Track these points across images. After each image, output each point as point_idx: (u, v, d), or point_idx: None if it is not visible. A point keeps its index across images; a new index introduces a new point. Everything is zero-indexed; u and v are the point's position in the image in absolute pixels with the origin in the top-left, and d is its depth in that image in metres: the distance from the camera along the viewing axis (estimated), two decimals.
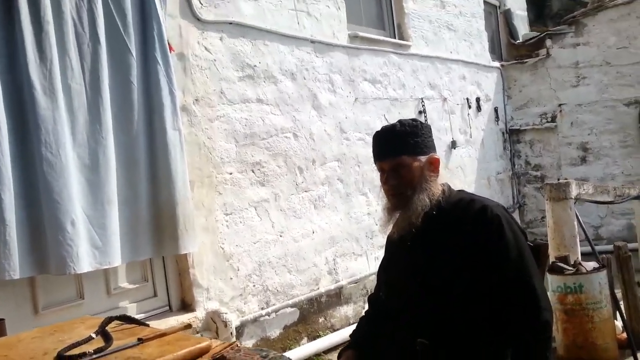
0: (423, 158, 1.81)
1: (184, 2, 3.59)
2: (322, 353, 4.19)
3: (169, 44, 3.26)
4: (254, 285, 3.95)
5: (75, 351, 1.34)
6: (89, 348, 1.36)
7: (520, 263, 1.68)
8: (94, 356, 1.31)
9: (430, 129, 1.90)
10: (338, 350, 2.29)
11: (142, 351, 1.30)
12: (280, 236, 4.19)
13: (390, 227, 1.89)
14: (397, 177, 1.78)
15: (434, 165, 1.84)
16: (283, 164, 4.25)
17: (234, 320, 3.67)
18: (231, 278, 3.78)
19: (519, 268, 1.67)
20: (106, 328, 1.51)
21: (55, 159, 2.68)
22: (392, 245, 1.94)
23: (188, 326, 1.49)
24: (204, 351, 1.29)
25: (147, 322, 1.71)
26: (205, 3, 3.73)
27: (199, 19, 3.65)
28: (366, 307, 2.20)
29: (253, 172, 4.00)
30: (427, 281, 1.73)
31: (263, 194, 4.07)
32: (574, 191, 4.29)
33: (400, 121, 1.84)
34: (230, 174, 3.83)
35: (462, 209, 1.75)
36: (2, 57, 2.60)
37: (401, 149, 1.79)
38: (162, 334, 1.40)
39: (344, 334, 4.11)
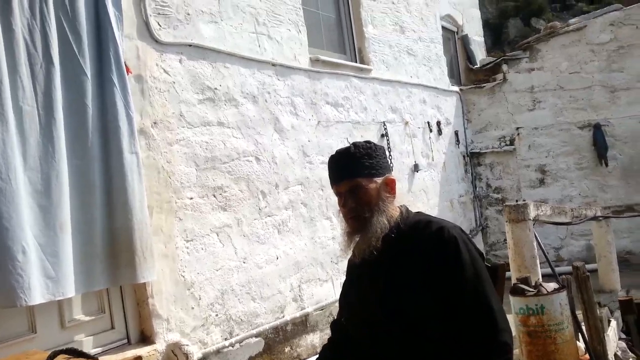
0: (379, 179, 1.82)
1: (142, 24, 3.55)
2: None
3: (126, 65, 3.20)
4: (217, 315, 3.84)
5: None
6: None
7: (477, 284, 1.68)
8: None
9: (385, 150, 1.92)
10: None
11: None
12: (244, 262, 4.11)
13: (350, 251, 1.88)
14: (354, 199, 1.79)
15: (390, 186, 1.85)
16: (245, 188, 4.20)
17: (196, 352, 3.55)
18: (192, 307, 3.67)
19: (476, 289, 1.67)
20: None
21: (4, 184, 2.56)
22: (353, 269, 1.94)
23: (137, 358, 1.41)
24: None
25: (98, 357, 1.62)
26: (164, 25, 3.69)
27: (157, 41, 3.61)
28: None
29: (214, 196, 3.93)
30: (386, 304, 1.72)
31: (225, 219, 3.99)
32: (532, 212, 4.37)
33: (354, 144, 1.86)
34: (191, 198, 3.75)
35: (420, 231, 1.76)
36: None
37: (356, 171, 1.80)
38: None
39: None
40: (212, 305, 3.81)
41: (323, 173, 4.96)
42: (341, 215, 1.85)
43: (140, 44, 3.52)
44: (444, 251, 1.68)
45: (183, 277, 3.63)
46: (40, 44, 2.81)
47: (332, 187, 1.87)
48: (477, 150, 8.36)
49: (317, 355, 2.13)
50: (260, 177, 4.34)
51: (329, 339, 2.11)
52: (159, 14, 3.66)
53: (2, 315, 2.78)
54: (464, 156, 8.04)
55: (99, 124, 3.05)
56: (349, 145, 1.86)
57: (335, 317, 2.12)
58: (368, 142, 1.87)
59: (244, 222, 4.15)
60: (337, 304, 2.12)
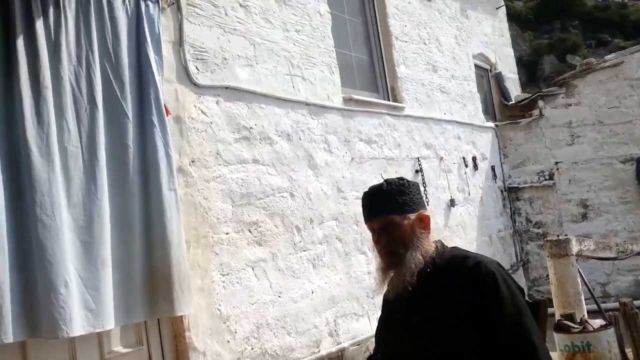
0: (412, 216, 1.81)
1: (181, 68, 3.69)
2: None
3: (165, 107, 3.32)
4: (252, 349, 3.82)
5: None
6: None
7: (518, 319, 1.63)
8: None
9: (418, 186, 1.91)
10: None
11: None
12: (279, 297, 4.09)
13: (385, 287, 1.86)
14: (387, 236, 1.79)
15: (424, 222, 1.84)
16: (280, 224, 4.22)
17: None
18: (228, 341, 3.66)
19: (517, 325, 1.62)
20: None
21: (49, 220, 2.66)
22: (388, 305, 1.91)
23: None
24: None
25: None
26: (201, 69, 3.83)
27: (195, 84, 3.74)
28: None
29: (250, 231, 3.96)
30: (422, 342, 1.68)
31: (260, 253, 4.01)
32: (574, 247, 4.23)
33: (387, 180, 1.86)
34: (227, 234, 3.79)
35: (456, 266, 1.73)
36: (0, 119, 2.64)
37: (389, 208, 1.80)
38: None
39: None
40: (247, 338, 3.79)
41: (357, 208, 4.92)
42: (375, 251, 1.85)
43: (179, 87, 3.65)
44: (481, 286, 1.65)
45: (219, 310, 3.64)
46: (86, 89, 2.95)
47: (365, 223, 1.87)
48: (515, 185, 8.18)
49: None
50: (294, 213, 4.36)
51: None
52: (197, 59, 3.81)
53: (45, 346, 2.84)
54: (501, 191, 7.88)
55: (139, 163, 3.14)
56: (382, 182, 1.87)
57: (372, 353, 2.09)
58: (401, 178, 1.87)
59: (279, 256, 4.16)
60: (373, 339, 2.09)
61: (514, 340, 1.60)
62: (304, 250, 4.39)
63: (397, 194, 1.80)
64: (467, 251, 1.84)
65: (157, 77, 3.31)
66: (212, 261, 3.65)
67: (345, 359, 4.57)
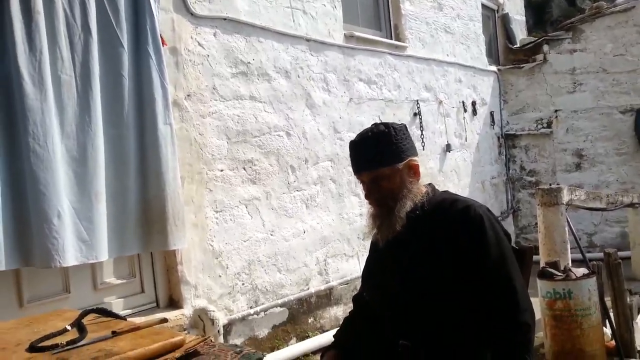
0: (401, 165, 1.80)
1: None
2: (310, 354, 4.17)
3: (161, 37, 3.24)
4: (243, 284, 3.92)
5: (48, 343, 1.32)
6: (62, 340, 1.34)
7: (501, 263, 1.68)
8: (66, 348, 1.29)
9: (406, 130, 1.88)
10: None
11: (115, 344, 1.28)
12: (271, 235, 4.17)
13: (375, 230, 1.89)
14: (377, 189, 1.79)
15: (413, 169, 1.84)
16: (275, 163, 4.23)
17: (222, 319, 3.65)
18: (220, 276, 3.75)
19: (499, 268, 1.67)
20: (82, 321, 1.49)
21: (42, 150, 2.65)
22: (376, 245, 1.94)
23: (163, 320, 1.48)
24: (177, 346, 1.27)
25: (127, 318, 1.69)
26: None
27: (192, 14, 3.63)
28: None
29: (244, 169, 3.98)
30: (408, 281, 1.73)
31: (254, 192, 4.05)
32: (565, 197, 4.29)
33: (372, 130, 1.82)
34: (221, 171, 3.81)
35: (445, 209, 1.76)
36: None
37: (377, 161, 1.78)
38: (136, 328, 1.38)
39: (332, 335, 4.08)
40: (238, 274, 3.89)
41: None
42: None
43: (176, 16, 3.55)
44: (468, 229, 1.68)
45: (212, 246, 3.71)
46: (79, 15, 2.87)
47: (354, 174, 1.86)
48: (513, 132, 8.18)
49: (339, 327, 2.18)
50: (290, 152, 4.37)
51: (350, 311, 2.15)
52: None
53: (38, 276, 2.91)
54: (498, 137, 7.89)
55: (134, 94, 3.11)
56: (368, 129, 1.84)
57: (358, 291, 2.15)
58: (386, 125, 1.84)
59: (273, 195, 4.20)
60: (360, 279, 2.15)
61: (495, 282, 1.65)
62: (297, 190, 4.43)
63: (385, 144, 1.78)
64: (457, 195, 1.86)
65: (153, 5, 3.22)
66: (206, 197, 3.68)
67: (333, 297, 4.73)
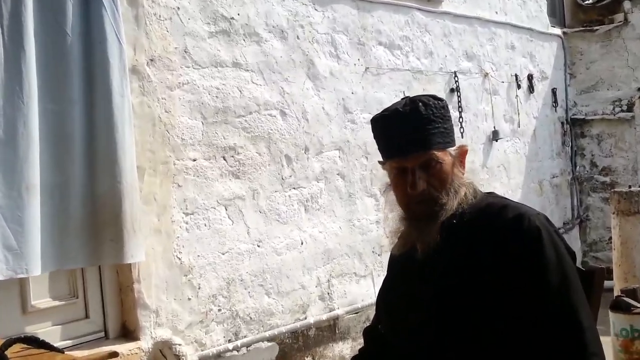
0: (453, 150, 1.83)
1: None
2: None
3: None
4: (220, 310, 3.94)
5: None
6: None
7: (563, 292, 1.67)
8: None
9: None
10: None
11: None
12: (258, 246, 4.19)
13: (396, 241, 1.90)
14: (426, 178, 1.78)
15: (463, 158, 1.87)
16: (265, 151, 4.25)
17: (191, 355, 3.66)
18: (189, 299, 3.78)
19: (561, 299, 1.66)
20: (5, 353, 1.50)
21: None
22: (397, 265, 1.96)
23: (113, 354, 1.49)
24: None
25: (65, 351, 1.70)
26: None
27: None
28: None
29: (224, 159, 4.00)
30: (441, 314, 1.74)
31: (237, 189, 4.06)
32: None
33: (420, 99, 1.83)
34: (194, 160, 3.83)
35: (492, 217, 1.76)
36: None
37: (431, 139, 1.77)
38: None
39: None
40: (214, 297, 3.91)
41: (369, 136, 4.92)
42: (396, 196, 1.84)
43: None
44: (521, 246, 1.68)
45: (179, 259, 3.73)
46: None
47: (387, 160, 1.85)
48: (582, 117, 8.17)
49: None
50: (285, 137, 4.38)
51: (360, 349, 2.17)
52: None
53: None
54: (562, 123, 7.88)
55: (81, 57, 3.12)
56: (408, 100, 1.84)
57: (371, 323, 2.18)
58: (436, 97, 1.86)
59: (261, 194, 4.21)
60: (374, 306, 2.16)
61: (554, 317, 1.64)
62: (294, 188, 4.44)
63: (439, 120, 1.79)
64: (507, 199, 1.87)
65: None
66: (172, 195, 3.70)
67: (338, 330, 4.73)
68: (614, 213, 4.35)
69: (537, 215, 1.75)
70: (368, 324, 2.19)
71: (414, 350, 1.81)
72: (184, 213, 3.76)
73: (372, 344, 2.09)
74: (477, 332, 1.68)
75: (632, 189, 4.39)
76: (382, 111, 1.91)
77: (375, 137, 1.94)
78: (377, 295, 2.15)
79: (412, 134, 1.77)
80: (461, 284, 1.71)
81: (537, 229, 1.70)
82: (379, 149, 1.92)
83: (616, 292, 4.02)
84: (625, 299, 3.81)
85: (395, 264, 1.98)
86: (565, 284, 1.67)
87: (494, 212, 1.77)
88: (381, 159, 1.92)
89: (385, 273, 2.11)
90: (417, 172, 1.77)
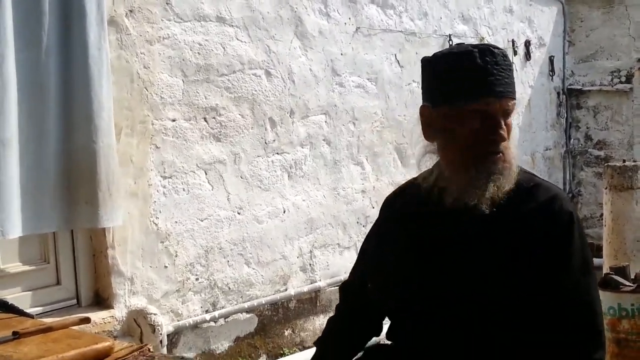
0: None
1: None
2: None
3: None
4: (197, 279, 3.97)
5: None
6: None
7: (583, 278, 1.73)
8: None
9: None
10: None
11: (17, 349, 1.30)
12: (238, 213, 4.21)
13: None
14: (505, 130, 1.75)
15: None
16: (248, 113, 4.25)
17: (167, 325, 3.70)
18: (166, 266, 3.80)
19: (580, 285, 1.72)
20: None
21: None
22: (405, 222, 1.90)
23: (85, 320, 1.49)
24: (101, 354, 1.28)
25: (34, 315, 1.69)
26: None
27: None
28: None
29: (205, 120, 3.99)
30: (464, 286, 1.73)
31: (218, 152, 4.07)
32: None
33: (493, 45, 1.80)
34: (174, 121, 3.82)
35: (523, 197, 1.76)
36: None
37: (513, 86, 1.77)
38: (47, 329, 1.39)
39: None
40: (191, 265, 3.94)
41: (358, 100, 5.00)
42: (463, 142, 1.75)
43: None
44: (554, 229, 1.71)
45: (156, 225, 3.74)
46: None
47: (466, 102, 1.72)
48: (579, 87, 8.19)
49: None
50: (269, 99, 4.38)
51: (338, 307, 2.16)
52: None
53: None
54: (558, 93, 7.91)
55: (56, 5, 3.08)
56: (480, 45, 1.79)
57: (349, 278, 2.16)
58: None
59: (244, 158, 4.22)
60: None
61: (572, 303, 1.70)
62: (278, 153, 4.45)
63: (512, 68, 1.78)
64: (534, 175, 1.86)
65: None
66: (150, 157, 3.70)
67: (319, 302, 4.79)
68: (606, 188, 4.39)
69: (567, 199, 1.80)
70: (347, 280, 2.18)
71: (423, 319, 1.79)
72: (161, 176, 3.76)
73: (352, 302, 2.10)
74: (499, 307, 1.71)
75: (627, 163, 4.42)
76: (452, 50, 1.83)
77: (441, 76, 1.78)
78: (362, 249, 2.15)
79: (505, 76, 1.74)
80: (489, 258, 1.71)
81: (570, 214, 1.73)
82: (441, 90, 1.78)
83: (605, 270, 4.07)
84: (615, 277, 3.85)
85: (402, 223, 1.91)
86: (586, 270, 1.74)
87: (526, 190, 1.77)
88: (430, 102, 1.83)
89: (378, 227, 2.06)
90: (502, 117, 1.74)
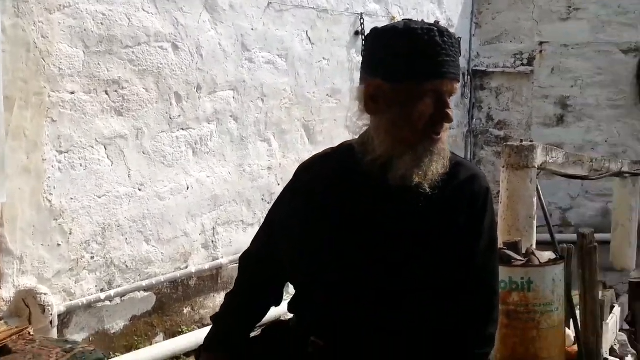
0: None
1: None
2: (182, 356, 4.21)
3: None
4: (93, 258, 3.87)
5: None
6: None
7: (488, 259, 1.80)
8: None
9: None
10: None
11: None
12: (139, 190, 4.12)
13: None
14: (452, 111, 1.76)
15: None
16: (153, 87, 4.14)
17: (58, 305, 3.60)
18: (59, 244, 3.68)
19: (486, 263, 1.79)
20: None
21: None
22: (327, 193, 1.85)
23: None
24: None
25: None
26: None
27: None
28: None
29: (107, 94, 3.87)
30: (391, 258, 1.74)
31: (119, 127, 3.95)
32: (539, 158, 4.44)
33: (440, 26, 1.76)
34: (72, 93, 3.68)
35: (447, 174, 1.76)
36: None
37: (460, 69, 1.79)
38: None
39: None
40: (87, 243, 3.84)
41: (267, 77, 4.95)
42: (410, 120, 1.72)
43: None
44: (471, 209, 1.76)
45: (49, 201, 3.62)
46: None
47: (419, 79, 1.69)
48: (483, 68, 8.35)
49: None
50: (176, 73, 4.28)
51: (237, 281, 2.10)
52: None
53: None
54: (463, 74, 8.03)
55: None
56: (427, 23, 1.74)
57: (251, 248, 2.10)
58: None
59: (146, 134, 4.13)
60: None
61: (476, 281, 1.77)
62: (183, 129, 4.38)
63: (460, 51, 1.78)
64: (452, 152, 1.85)
65: None
66: (45, 131, 3.58)
67: (221, 279, 4.77)
68: (503, 166, 4.46)
69: (485, 178, 1.84)
70: (248, 250, 2.10)
71: (336, 291, 1.78)
72: (57, 151, 3.64)
73: (252, 274, 2.04)
74: (415, 283, 1.74)
75: (524, 143, 4.51)
76: (402, 27, 1.74)
77: (400, 52, 1.71)
78: (268, 218, 2.08)
79: (457, 59, 1.74)
80: (410, 234, 1.74)
81: (486, 192, 1.78)
82: (399, 65, 1.72)
83: (499, 245, 4.17)
84: (507, 251, 3.96)
85: (321, 191, 1.86)
86: (492, 250, 1.83)
87: (449, 167, 1.77)
88: (379, 77, 1.77)
89: (291, 197, 1.98)
90: (449, 98, 1.74)
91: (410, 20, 1.76)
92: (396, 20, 5.50)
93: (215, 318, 2.07)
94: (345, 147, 1.89)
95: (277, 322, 2.07)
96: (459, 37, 1.78)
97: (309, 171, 1.96)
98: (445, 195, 1.73)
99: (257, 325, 2.08)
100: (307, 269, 1.85)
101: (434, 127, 1.72)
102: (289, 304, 1.94)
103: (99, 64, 3.79)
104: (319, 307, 1.82)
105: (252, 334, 2.05)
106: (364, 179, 1.77)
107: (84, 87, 3.73)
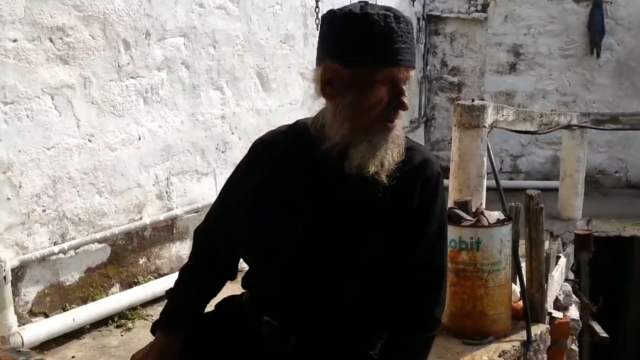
0: None
1: None
2: (139, 306, 4.23)
3: None
4: (44, 210, 3.80)
5: None
6: None
7: (437, 243, 1.84)
8: None
9: None
10: (162, 305, 2.24)
11: None
12: (89, 141, 4.02)
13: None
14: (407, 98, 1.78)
15: None
16: (100, 34, 4.01)
17: (11, 260, 3.53)
18: (9, 198, 3.59)
19: (435, 245, 1.83)
20: None
21: None
22: (281, 169, 1.85)
23: None
24: None
25: None
26: None
27: None
28: None
29: (51, 41, 3.74)
30: (330, 244, 1.76)
31: (65, 76, 3.83)
32: (489, 117, 4.48)
33: (393, 9, 1.75)
34: (15, 41, 3.55)
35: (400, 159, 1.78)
36: None
37: (414, 54, 1.78)
38: None
39: (172, 282, 4.11)
40: (38, 196, 3.76)
41: (219, 23, 4.86)
42: (367, 108, 1.72)
43: None
44: (423, 192, 1.78)
45: None
46: None
47: (377, 65, 1.69)
48: (438, 13, 8.32)
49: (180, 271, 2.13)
50: (123, 19, 4.15)
51: (193, 253, 2.10)
52: None
53: None
54: (418, 19, 8.02)
55: None
56: (382, 7, 1.73)
57: (207, 221, 2.08)
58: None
59: (95, 83, 4.02)
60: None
61: (424, 263, 1.81)
62: (132, 77, 4.28)
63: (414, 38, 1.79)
64: (407, 138, 1.87)
65: None
66: None
67: (176, 230, 4.74)
68: (455, 125, 4.51)
69: (437, 161, 1.87)
70: (203, 223, 2.09)
71: (290, 268, 1.80)
72: (2, 102, 3.52)
73: (206, 248, 2.04)
74: (369, 264, 1.76)
75: (475, 102, 4.54)
76: (358, 11, 1.71)
77: (356, 37, 1.70)
78: (224, 191, 2.05)
79: (412, 46, 1.74)
80: (365, 217, 1.76)
81: (437, 176, 1.81)
82: (356, 51, 1.71)
83: (450, 204, 4.20)
84: (457, 210, 4.00)
85: (279, 169, 1.86)
86: (442, 232, 1.86)
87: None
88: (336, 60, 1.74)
89: (229, 171, 2.00)
90: (404, 86, 1.75)
91: (366, 3, 1.73)
92: None
93: (169, 293, 2.08)
94: (301, 127, 1.89)
95: (230, 298, 2.06)
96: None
97: (265, 146, 1.94)
98: (399, 179, 1.74)
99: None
100: (259, 246, 1.86)
101: (389, 115, 1.73)
102: (243, 279, 1.95)
103: (41, 9, 3.65)
104: (271, 286, 1.85)
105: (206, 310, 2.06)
106: (320, 162, 1.78)
107: (27, 35, 3.60)
